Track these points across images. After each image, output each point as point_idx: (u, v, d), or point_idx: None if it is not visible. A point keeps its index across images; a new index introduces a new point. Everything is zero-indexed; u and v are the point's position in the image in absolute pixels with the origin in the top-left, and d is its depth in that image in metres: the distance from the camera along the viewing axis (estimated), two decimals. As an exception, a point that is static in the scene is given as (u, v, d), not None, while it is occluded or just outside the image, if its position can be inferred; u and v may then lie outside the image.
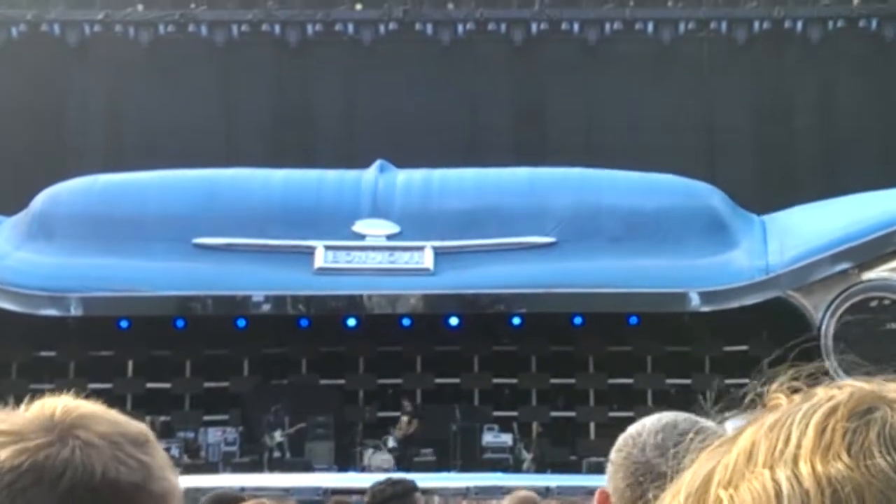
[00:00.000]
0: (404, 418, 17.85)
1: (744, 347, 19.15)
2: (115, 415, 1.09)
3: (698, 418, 1.71)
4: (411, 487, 5.01)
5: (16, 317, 18.00)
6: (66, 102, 24.37)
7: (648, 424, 1.79)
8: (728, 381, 18.99)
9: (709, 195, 19.64)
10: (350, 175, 20.02)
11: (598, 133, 24.21)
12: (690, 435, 1.06)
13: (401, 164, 20.40)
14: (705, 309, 18.14)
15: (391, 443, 17.77)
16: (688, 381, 19.01)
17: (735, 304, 18.05)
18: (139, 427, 1.10)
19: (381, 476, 5.94)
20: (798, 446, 0.73)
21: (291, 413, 18.06)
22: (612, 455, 1.74)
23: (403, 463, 17.40)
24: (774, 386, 0.83)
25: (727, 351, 19.16)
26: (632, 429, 1.78)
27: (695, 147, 24.12)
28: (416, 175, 19.98)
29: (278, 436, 17.67)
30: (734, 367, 19.02)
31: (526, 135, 24.28)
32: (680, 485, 0.76)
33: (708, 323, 18.59)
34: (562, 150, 23.06)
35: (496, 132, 24.34)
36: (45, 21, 24.27)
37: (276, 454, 17.70)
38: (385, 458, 17.38)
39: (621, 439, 1.79)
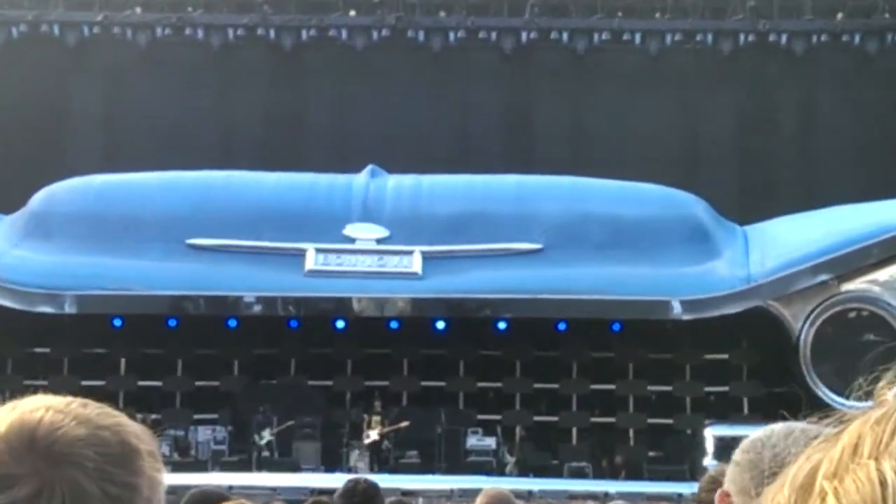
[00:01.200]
0: (374, 418, 17.82)
1: (724, 356, 19.22)
2: (98, 426, 1.05)
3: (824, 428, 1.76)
4: (374, 491, 5.09)
5: (12, 313, 18.00)
6: (65, 102, 24.34)
7: (777, 429, 1.80)
8: (707, 389, 19.18)
9: (692, 205, 19.70)
10: (341, 179, 20.04)
11: (586, 141, 24.27)
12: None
13: (391, 169, 20.43)
14: (687, 317, 18.19)
15: (372, 437, 17.75)
16: (668, 388, 19.07)
17: (716, 313, 18.11)
18: (124, 437, 1.06)
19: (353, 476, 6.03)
20: None
21: (280, 413, 18.07)
22: (738, 457, 1.79)
23: (388, 463, 17.43)
24: (882, 383, 0.81)
25: (708, 359, 19.22)
26: (759, 433, 1.82)
27: (679, 157, 24.20)
28: (406, 180, 20.01)
29: (267, 435, 17.68)
30: (714, 375, 19.16)
31: (515, 142, 24.33)
32: (785, 478, 0.75)
33: (689, 331, 18.64)
34: (549, 158, 23.12)
35: (485, 139, 24.39)
36: (44, 22, 24.26)
37: (265, 453, 17.72)
38: (368, 458, 17.41)
39: (748, 442, 1.81)
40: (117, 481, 1.02)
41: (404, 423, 17.83)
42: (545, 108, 24.59)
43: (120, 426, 1.08)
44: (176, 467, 16.38)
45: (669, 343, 19.13)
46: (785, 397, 17.82)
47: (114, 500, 1.01)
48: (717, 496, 1.79)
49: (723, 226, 19.66)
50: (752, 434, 1.80)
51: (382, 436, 17.76)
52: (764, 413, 18.04)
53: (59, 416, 1.05)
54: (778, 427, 1.80)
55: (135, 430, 1.09)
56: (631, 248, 18.64)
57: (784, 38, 24.80)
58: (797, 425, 1.81)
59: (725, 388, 19.13)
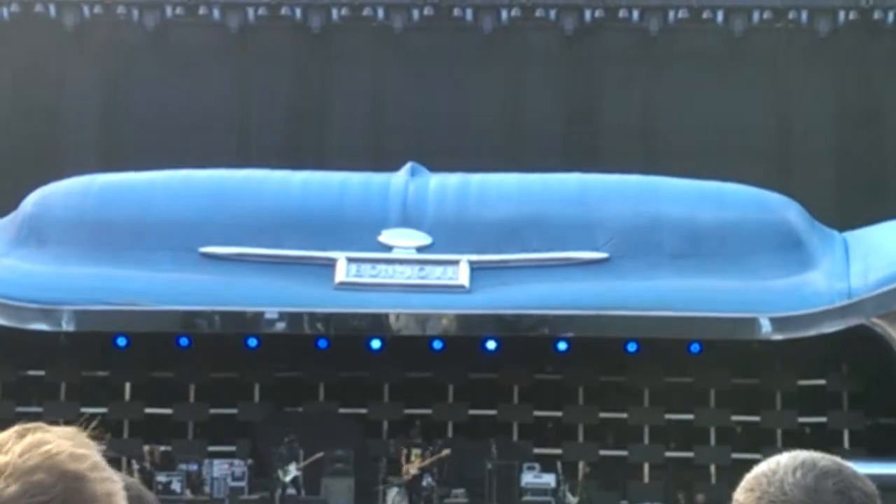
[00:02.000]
0: (414, 451, 17.95)
1: (821, 381, 19.22)
2: (29, 469, 1.08)
3: (836, 458, 1.81)
4: None
5: (2, 331, 18.31)
6: (62, 92, 24.71)
7: (783, 461, 1.80)
8: (801, 420, 19.16)
9: (783, 208, 19.72)
10: (377, 179, 20.23)
11: (659, 135, 24.31)
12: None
13: (434, 167, 20.60)
14: (777, 337, 18.21)
15: (412, 472, 17.89)
16: (756, 419, 19.09)
17: (811, 333, 18.10)
18: (62, 468, 1.09)
19: None
20: None
21: (306, 445, 18.27)
22: (741, 497, 1.80)
23: (432, 504, 17.59)
24: None
25: (802, 385, 19.22)
26: (761, 467, 1.81)
27: (768, 152, 24.18)
28: (451, 180, 20.17)
29: (293, 469, 17.89)
30: (809, 404, 19.14)
31: (576, 136, 24.42)
32: None
33: (780, 353, 18.65)
34: (617, 154, 23.19)
35: (542, 132, 24.49)
36: (39, 1, 24.63)
37: (290, 491, 17.94)
38: (407, 498, 17.59)
39: (750, 478, 1.81)
40: None
41: (445, 452, 17.97)
42: (612, 97, 24.69)
43: (52, 457, 1.10)
44: (188, 506, 16.66)
45: (757, 367, 19.15)
46: (891, 429, 17.77)
47: None
48: None
49: (819, 232, 19.67)
50: (756, 469, 1.79)
51: (423, 470, 17.93)
52: (868, 447, 18.00)
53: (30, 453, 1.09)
54: (783, 459, 1.78)
55: (69, 451, 1.11)
56: (712, 257, 18.69)
57: (891, 15, 24.75)
58: (805, 455, 1.80)
59: (823, 419, 19.12)
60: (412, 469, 17.98)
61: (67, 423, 1.21)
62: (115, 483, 1.10)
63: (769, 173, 22.38)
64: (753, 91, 24.36)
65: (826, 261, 18.93)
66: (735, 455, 18.82)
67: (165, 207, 19.23)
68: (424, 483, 17.98)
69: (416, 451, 18.23)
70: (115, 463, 1.36)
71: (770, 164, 23.63)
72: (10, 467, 1.06)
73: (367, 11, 24.90)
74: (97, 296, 18.32)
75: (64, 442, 1.10)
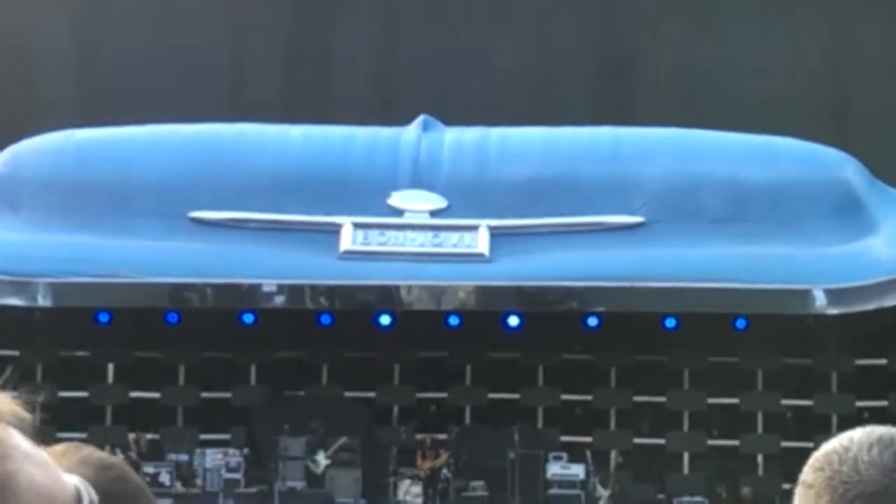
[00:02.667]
0: (429, 439, 18.18)
1: (881, 361, 19.32)
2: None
3: None
4: None
5: (-30, 307, 18.50)
6: (32, 38, 24.72)
7: (857, 437, 1.78)
8: (860, 404, 19.30)
9: (840, 165, 19.73)
10: (385, 134, 20.27)
11: (700, 84, 24.28)
12: None
13: (449, 120, 20.65)
14: (833, 311, 18.30)
15: (427, 465, 18.12)
16: (808, 403, 19.24)
17: (872, 306, 18.19)
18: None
19: None
20: None
21: (308, 433, 18.48)
22: (809, 477, 1.78)
23: (448, 498, 17.80)
24: None
25: (860, 365, 19.33)
26: (832, 444, 1.78)
27: (824, 102, 24.14)
28: (469, 135, 20.21)
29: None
30: (868, 386, 19.26)
31: (607, 86, 24.41)
32: None
33: (836, 329, 18.76)
34: (653, 107, 23.20)
35: (571, 82, 24.49)
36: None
37: (292, 483, 18.08)
38: (421, 491, 17.80)
39: (820, 457, 1.79)
40: None
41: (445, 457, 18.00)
42: (648, 39, 24.67)
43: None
44: (178, 500, 16.92)
45: (810, 345, 19.24)
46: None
47: None
48: None
49: (881, 192, 19.69)
50: (825, 446, 1.77)
51: (434, 467, 18.10)
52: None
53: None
54: (856, 436, 1.76)
55: (19, 472, 1.09)
56: (759, 221, 18.77)
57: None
58: (882, 430, 1.79)
59: (883, 403, 19.24)
60: (426, 462, 18.18)
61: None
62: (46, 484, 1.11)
63: (825, 126, 22.36)
64: (806, 33, 24.29)
65: (889, 225, 18.98)
66: (785, 443, 19.00)
67: (150, 167, 19.31)
68: (441, 475, 18.19)
69: (430, 440, 18.42)
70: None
71: (826, 116, 23.59)
72: (35, 481, 1.09)
73: (373, -56, 24.83)
74: (75, 267, 18.44)
75: None
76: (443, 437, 19.10)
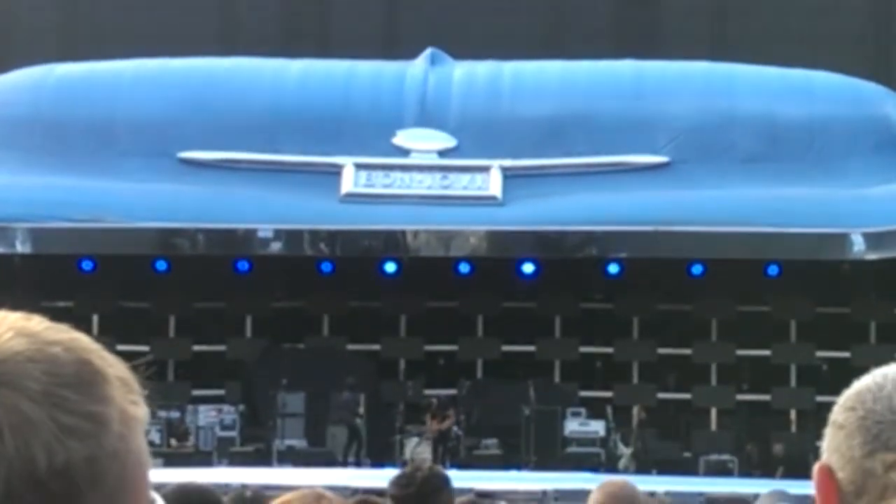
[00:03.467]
0: (428, 417, 18.19)
1: (923, 309, 19.27)
2: (46, 341, 1.11)
3: None
4: (440, 482, 5.32)
5: (-56, 254, 18.50)
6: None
7: (891, 374, 1.75)
8: (901, 355, 19.26)
9: (881, 101, 19.72)
10: (390, 69, 20.25)
11: (730, 15, 24.15)
12: None
13: (459, 54, 20.58)
14: (872, 256, 18.28)
15: (436, 425, 18.11)
16: (845, 355, 19.19)
17: (913, 251, 18.16)
18: (82, 355, 1.13)
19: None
20: None
21: (308, 388, 18.48)
22: (840, 417, 1.75)
23: (459, 456, 17.79)
24: None
25: (901, 314, 19.30)
26: (865, 381, 1.74)
27: (863, 34, 24.02)
28: (480, 69, 20.16)
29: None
30: (909, 336, 19.21)
31: (631, 16, 24.28)
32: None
33: (875, 276, 18.71)
34: (680, 38, 23.07)
35: (591, 10, 24.33)
36: None
37: (290, 441, 18.09)
38: (430, 449, 17.82)
39: (852, 395, 1.76)
40: (74, 409, 1.06)
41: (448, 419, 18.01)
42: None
43: (76, 342, 1.13)
44: (170, 459, 16.89)
45: (847, 293, 19.21)
46: None
47: (70, 433, 1.05)
48: (815, 472, 1.85)
49: (923, 130, 19.65)
50: (858, 383, 1.73)
51: (443, 429, 18.08)
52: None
53: None
54: (893, 371, 1.73)
55: (99, 351, 1.13)
56: (793, 161, 18.73)
57: None
58: None
59: (925, 355, 19.20)
60: (435, 423, 18.16)
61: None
62: (140, 409, 1.14)
63: (864, 60, 22.27)
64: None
65: (932, 165, 18.96)
66: (819, 398, 18.93)
67: (137, 104, 19.29)
68: (452, 433, 18.18)
69: (438, 402, 18.39)
70: None
71: (865, 49, 23.50)
72: (26, 329, 1.10)
73: None
74: (56, 211, 18.43)
75: (97, 345, 1.14)
76: (452, 392, 19.08)
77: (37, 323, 1.12)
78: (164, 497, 4.91)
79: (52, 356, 1.09)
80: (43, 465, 1.03)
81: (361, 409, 18.34)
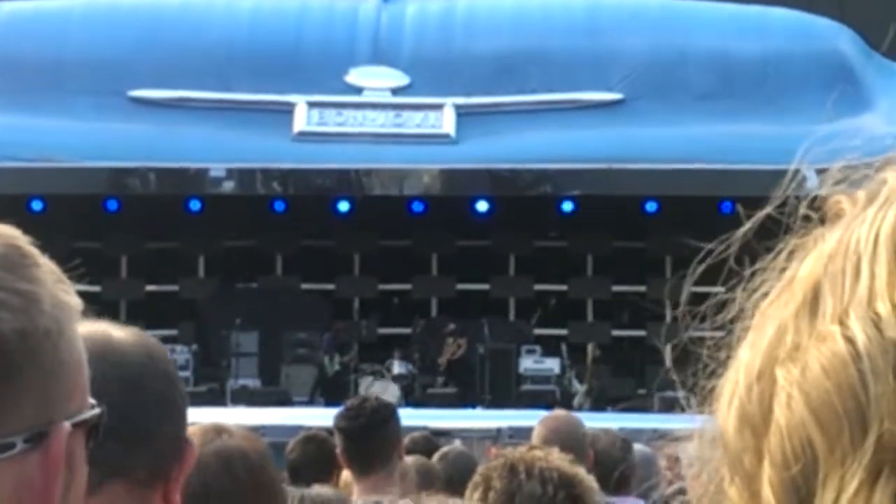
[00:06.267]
0: (449, 340, 18.25)
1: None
2: None
3: None
4: (387, 413, 5.28)
5: None
6: None
7: None
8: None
9: (835, 35, 19.71)
10: (342, 6, 20.15)
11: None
12: None
13: (412, -10, 20.48)
14: (824, 192, 18.28)
15: (397, 368, 18.15)
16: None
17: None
18: (11, 241, 1.15)
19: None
20: (872, 277, 0.70)
21: (260, 327, 18.45)
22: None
23: (413, 395, 17.82)
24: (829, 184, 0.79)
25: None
26: None
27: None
28: (433, 6, 20.11)
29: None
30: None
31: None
32: (736, 374, 0.73)
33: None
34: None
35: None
36: None
37: (244, 381, 18.09)
38: (390, 388, 17.78)
39: None
40: (2, 286, 1.06)
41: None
42: None
43: (5, 231, 1.14)
44: (122, 400, 16.82)
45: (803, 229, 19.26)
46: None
47: (3, 308, 1.04)
48: None
49: (877, 66, 19.68)
50: None
51: (454, 357, 18.08)
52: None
53: None
54: None
55: (30, 242, 1.16)
56: (747, 97, 18.78)
57: None
58: None
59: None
60: (453, 347, 18.23)
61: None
62: (73, 298, 1.15)
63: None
64: None
65: (885, 100, 19.03)
66: (773, 334, 19.07)
67: (86, 42, 19.17)
68: (403, 371, 18.20)
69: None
70: None
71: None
72: None
73: None
74: (4, 150, 18.30)
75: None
76: (407, 331, 19.10)
77: None
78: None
79: None
80: None
81: (324, 348, 18.38)
